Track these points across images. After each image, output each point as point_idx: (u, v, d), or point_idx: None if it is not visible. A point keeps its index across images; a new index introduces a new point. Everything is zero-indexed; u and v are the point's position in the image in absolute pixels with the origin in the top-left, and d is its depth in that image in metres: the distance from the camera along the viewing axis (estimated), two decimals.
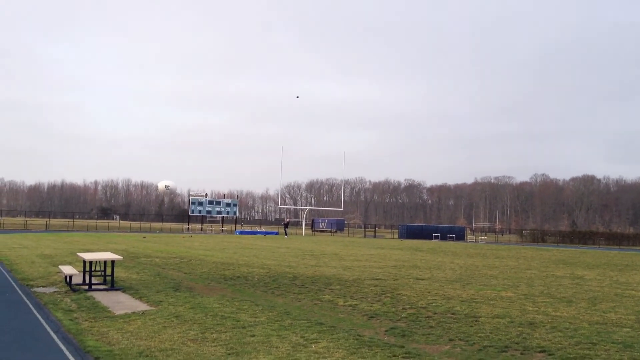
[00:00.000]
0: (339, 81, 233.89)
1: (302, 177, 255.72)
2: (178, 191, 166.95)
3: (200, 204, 75.76)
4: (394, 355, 7.85)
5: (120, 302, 12.35)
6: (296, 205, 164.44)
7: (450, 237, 76.19)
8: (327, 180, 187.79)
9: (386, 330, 9.65)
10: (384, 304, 12.53)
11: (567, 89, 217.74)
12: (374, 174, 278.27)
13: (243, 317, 10.48)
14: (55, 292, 13.79)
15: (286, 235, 65.09)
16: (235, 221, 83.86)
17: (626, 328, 10.33)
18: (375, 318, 10.87)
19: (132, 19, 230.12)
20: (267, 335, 8.93)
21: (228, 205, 78.54)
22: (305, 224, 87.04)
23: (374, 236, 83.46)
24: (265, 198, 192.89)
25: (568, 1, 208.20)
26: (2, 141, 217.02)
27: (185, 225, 78.34)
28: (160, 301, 12.35)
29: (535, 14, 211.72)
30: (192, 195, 79.79)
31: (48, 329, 9.57)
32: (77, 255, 18.10)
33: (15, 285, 15.04)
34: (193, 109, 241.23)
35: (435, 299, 13.51)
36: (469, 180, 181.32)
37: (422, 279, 18.26)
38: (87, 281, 14.43)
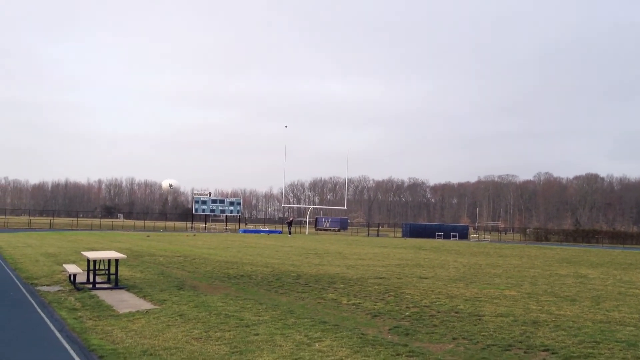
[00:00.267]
0: (342, 80, 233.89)
1: (306, 175, 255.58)
2: (182, 190, 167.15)
3: (204, 202, 75.83)
4: (398, 354, 7.86)
5: (124, 301, 12.38)
6: (300, 204, 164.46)
7: (454, 236, 76.11)
8: (331, 178, 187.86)
9: (390, 329, 9.66)
10: (387, 303, 12.54)
11: (570, 87, 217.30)
12: (377, 173, 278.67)
13: (247, 316, 10.50)
14: (59, 290, 13.83)
15: (290, 234, 65.13)
16: (239, 220, 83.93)
17: (630, 327, 10.32)
18: (378, 317, 10.88)
19: (133, 19, 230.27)
20: (271, 334, 8.95)
21: (232, 204, 78.60)
22: (309, 223, 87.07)
23: (378, 235, 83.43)
24: (268, 197, 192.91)
25: (569, 0, 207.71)
26: (6, 140, 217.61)
27: (189, 224, 78.41)
28: (164, 300, 12.38)
29: (537, 13, 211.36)
30: (195, 194, 79.91)
31: (52, 327, 9.60)
32: (81, 254, 18.15)
33: (19, 284, 15.09)
34: (197, 108, 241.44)
35: (439, 298, 13.51)
36: (473, 179, 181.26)
37: (426, 278, 18.26)
38: (91, 280, 14.47)
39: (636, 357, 7.99)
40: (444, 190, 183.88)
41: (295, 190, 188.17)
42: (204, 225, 77.39)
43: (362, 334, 9.11)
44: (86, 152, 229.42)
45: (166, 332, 9.17)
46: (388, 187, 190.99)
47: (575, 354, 8.06)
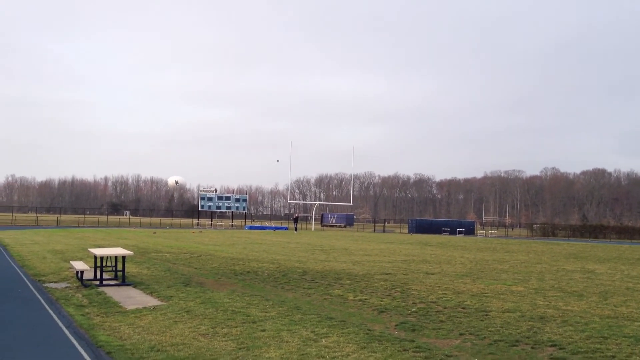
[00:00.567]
0: (347, 77, 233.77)
1: (312, 172, 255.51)
2: (188, 187, 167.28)
3: (210, 199, 75.94)
4: (404, 350, 7.85)
5: (131, 297, 12.41)
6: (305, 200, 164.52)
7: (460, 232, 76.02)
8: (337, 175, 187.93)
9: (396, 325, 9.65)
10: (394, 299, 12.54)
11: (577, 82, 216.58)
12: (383, 169, 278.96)
13: (253, 312, 10.52)
14: (66, 287, 13.88)
15: (296, 230, 65.18)
16: (245, 216, 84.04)
17: (638, 322, 10.28)
18: (385, 312, 10.87)
19: (142, 16, 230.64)
20: (278, 330, 8.96)
21: (237, 200, 78.69)
22: (315, 219, 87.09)
23: (384, 231, 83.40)
24: (274, 193, 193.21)
25: None
26: (13, 138, 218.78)
27: (195, 221, 78.58)
28: (171, 296, 12.41)
29: (543, 8, 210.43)
30: (201, 191, 80.00)
31: (60, 324, 9.64)
32: (88, 251, 18.20)
33: (27, 281, 15.14)
34: (202, 105, 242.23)
35: (446, 294, 13.50)
36: (479, 175, 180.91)
37: (432, 274, 18.24)
38: (98, 276, 14.52)
39: None
40: (450, 186, 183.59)
41: (301, 187, 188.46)
42: (210, 222, 77.55)
43: (369, 330, 9.11)
44: (92, 150, 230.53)
45: (173, 328, 9.19)
46: (394, 183, 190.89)
47: (582, 350, 8.04)
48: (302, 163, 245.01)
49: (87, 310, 10.89)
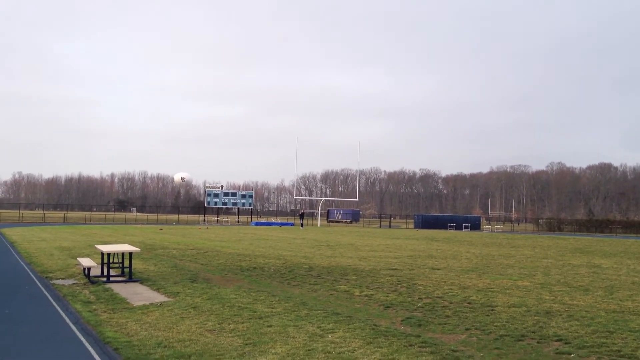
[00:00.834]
0: (353, 72, 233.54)
1: (317, 167, 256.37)
2: (194, 183, 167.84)
3: (216, 195, 76.02)
4: (410, 345, 7.87)
5: (138, 294, 12.47)
6: (311, 196, 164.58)
7: (466, 227, 75.93)
8: (342, 170, 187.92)
9: (402, 320, 9.67)
10: (400, 294, 12.55)
11: (583, 77, 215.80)
12: (389, 164, 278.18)
13: (260, 308, 10.56)
14: (74, 284, 13.95)
15: (302, 226, 65.22)
16: (251, 212, 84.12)
17: None
18: (391, 308, 10.89)
19: (146, 14, 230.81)
20: (284, 326, 9.00)
21: (244, 196, 78.74)
22: (321, 215, 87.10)
23: (390, 226, 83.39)
24: (280, 189, 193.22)
25: None
26: (20, 136, 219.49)
27: (202, 217, 78.73)
28: (178, 292, 12.46)
29: (549, 1, 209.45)
30: (207, 187, 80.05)
31: (67, 320, 9.70)
32: (95, 248, 18.29)
33: (34, 278, 15.23)
34: (208, 102, 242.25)
35: (452, 289, 13.51)
36: (485, 170, 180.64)
37: (438, 269, 18.25)
38: (105, 273, 14.58)
39: None
40: (456, 181, 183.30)
41: (307, 183, 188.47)
42: (216, 218, 77.64)
43: (375, 325, 9.13)
44: (99, 147, 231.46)
45: (180, 324, 9.24)
46: (400, 179, 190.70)
47: (588, 344, 8.04)
48: (308, 159, 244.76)
49: (94, 306, 10.95)
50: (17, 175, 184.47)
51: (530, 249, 30.35)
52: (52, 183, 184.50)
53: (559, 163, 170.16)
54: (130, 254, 14.84)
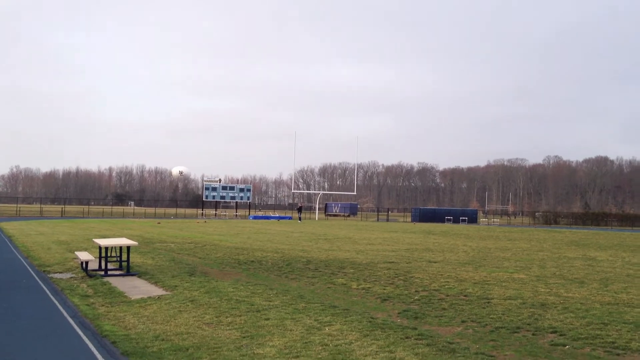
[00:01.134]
0: (351, 67, 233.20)
1: (315, 161, 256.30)
2: (192, 177, 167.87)
3: (214, 189, 76.03)
4: (407, 337, 7.93)
5: (136, 287, 12.51)
6: (309, 190, 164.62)
7: (463, 220, 76.06)
8: (340, 164, 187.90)
9: (399, 313, 9.73)
10: (397, 287, 12.62)
11: (579, 70, 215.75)
12: (387, 158, 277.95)
13: (257, 301, 10.60)
14: (71, 277, 13.98)
15: (300, 219, 65.28)
16: (249, 206, 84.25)
17: (638, 308, 10.35)
18: (388, 301, 10.95)
19: (145, 7, 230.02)
20: (282, 319, 9.05)
21: (242, 190, 78.77)
22: (319, 209, 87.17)
23: (387, 220, 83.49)
24: (278, 183, 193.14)
25: None
26: (17, 129, 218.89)
27: (200, 211, 78.78)
28: (176, 286, 12.51)
29: None
30: (205, 181, 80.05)
31: (65, 314, 9.73)
32: (93, 241, 18.32)
33: (32, 272, 15.24)
34: (207, 95, 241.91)
35: (448, 282, 13.57)
36: (482, 163, 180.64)
37: (435, 262, 18.32)
38: (103, 267, 14.60)
39: None
40: (454, 174, 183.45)
41: (304, 176, 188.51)
42: (214, 212, 77.71)
43: (372, 318, 9.19)
44: (97, 140, 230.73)
45: (178, 317, 9.29)
46: (397, 172, 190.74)
47: (583, 336, 8.11)
48: (305, 153, 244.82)
49: (92, 300, 10.99)
50: (14, 169, 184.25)
51: (527, 242, 30.46)
52: (50, 177, 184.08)
53: (556, 156, 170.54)
54: (128, 247, 14.86)
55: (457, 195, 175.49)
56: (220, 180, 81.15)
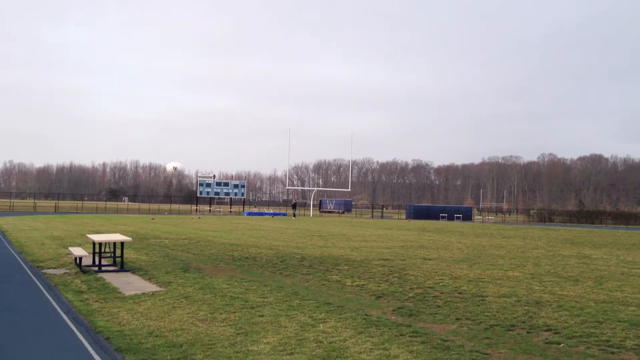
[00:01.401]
0: (347, 63, 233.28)
1: (310, 158, 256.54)
2: (186, 173, 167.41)
3: (209, 185, 75.93)
4: (401, 335, 7.92)
5: (130, 283, 12.47)
6: (304, 187, 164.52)
7: (458, 217, 76.21)
8: (335, 161, 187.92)
9: (393, 310, 9.72)
10: (391, 284, 12.61)
11: (574, 68, 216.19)
12: (382, 155, 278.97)
13: (252, 298, 10.58)
14: (65, 273, 13.93)
15: (294, 216, 65.26)
16: (243, 202, 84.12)
17: (632, 306, 10.38)
18: (382, 298, 10.95)
19: (140, 3, 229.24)
20: (276, 316, 9.03)
21: (236, 186, 78.70)
22: (313, 205, 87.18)
23: (382, 217, 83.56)
24: (273, 179, 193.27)
25: None
26: (11, 124, 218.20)
27: (194, 207, 78.62)
28: (170, 282, 12.47)
29: None
30: (200, 177, 79.98)
31: (59, 310, 9.69)
32: (87, 237, 18.24)
33: (25, 267, 15.19)
34: (201, 91, 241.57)
35: (443, 279, 13.58)
36: (477, 160, 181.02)
37: (430, 259, 18.33)
38: (96, 262, 14.56)
39: (638, 336, 8.04)
40: (448, 171, 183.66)
41: (299, 173, 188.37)
42: (208, 208, 77.61)
43: (366, 315, 9.18)
44: (91, 136, 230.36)
45: (172, 313, 9.25)
46: (392, 169, 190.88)
47: (577, 334, 8.12)
48: (300, 149, 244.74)
49: (85, 296, 10.95)
50: (8, 164, 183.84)
51: (521, 240, 30.51)
52: (44, 172, 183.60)
53: (550, 154, 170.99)
54: (122, 243, 14.82)
55: (451, 193, 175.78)
56: (214, 176, 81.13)
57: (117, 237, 15.62)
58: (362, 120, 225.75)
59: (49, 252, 18.53)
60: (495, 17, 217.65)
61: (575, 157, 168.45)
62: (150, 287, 11.96)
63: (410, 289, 12.04)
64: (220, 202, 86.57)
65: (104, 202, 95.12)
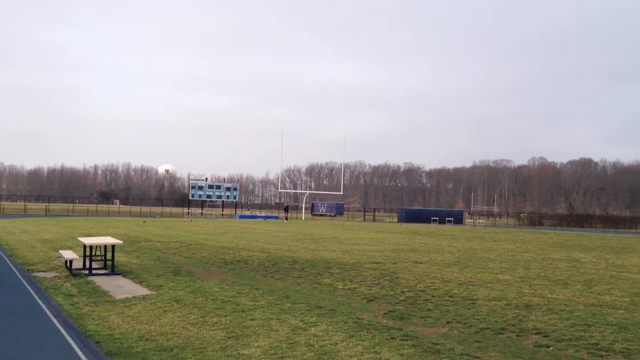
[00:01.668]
0: (339, 66, 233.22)
1: (302, 161, 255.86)
2: (178, 175, 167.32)
3: (201, 188, 75.80)
4: (392, 338, 7.95)
5: (120, 287, 12.44)
6: (296, 190, 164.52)
7: (449, 221, 76.37)
8: (327, 164, 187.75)
9: (385, 313, 9.75)
10: (382, 287, 12.64)
11: (564, 73, 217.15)
12: (374, 158, 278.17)
13: (243, 301, 10.58)
14: (55, 276, 13.88)
15: (286, 219, 65.24)
16: (236, 205, 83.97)
17: (621, 310, 10.45)
18: (374, 301, 10.97)
19: (136, 2, 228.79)
20: (267, 319, 9.03)
21: (228, 189, 78.60)
22: (305, 208, 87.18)
23: (373, 220, 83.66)
24: (265, 182, 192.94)
25: None
26: (3, 125, 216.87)
27: (186, 210, 78.45)
28: (161, 285, 12.45)
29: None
30: (192, 180, 79.81)
31: (49, 313, 9.66)
32: (78, 240, 18.19)
33: (15, 270, 15.12)
34: (194, 93, 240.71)
35: (434, 282, 13.62)
36: (468, 164, 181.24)
37: (421, 263, 18.38)
38: (87, 266, 14.52)
39: (627, 340, 8.11)
40: (440, 175, 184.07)
41: (291, 176, 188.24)
42: (200, 211, 77.44)
43: (358, 319, 9.20)
44: (82, 138, 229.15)
45: (163, 317, 9.25)
46: (384, 172, 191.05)
47: (566, 337, 8.17)
48: (292, 152, 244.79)
49: (76, 299, 10.91)
50: None
51: (512, 243, 30.63)
52: (35, 174, 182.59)
53: (541, 158, 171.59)
54: (113, 246, 14.79)
55: (443, 196, 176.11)
56: (206, 179, 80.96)
57: (108, 240, 15.58)
58: (355, 123, 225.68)
59: (39, 255, 18.46)
60: (483, 21, 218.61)
61: (565, 161, 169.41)
62: (141, 291, 11.94)
63: (402, 292, 12.08)
64: (213, 205, 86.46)
65: (95, 205, 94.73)
